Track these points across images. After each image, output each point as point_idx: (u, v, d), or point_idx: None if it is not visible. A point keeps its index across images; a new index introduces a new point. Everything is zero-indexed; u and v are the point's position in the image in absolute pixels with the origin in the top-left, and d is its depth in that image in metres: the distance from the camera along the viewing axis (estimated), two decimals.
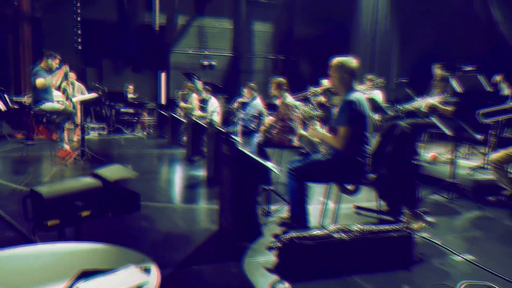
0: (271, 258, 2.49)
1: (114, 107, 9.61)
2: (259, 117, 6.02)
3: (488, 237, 3.11)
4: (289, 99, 4.78)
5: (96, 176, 2.21)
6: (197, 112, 7.88)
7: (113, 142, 8.27)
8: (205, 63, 11.98)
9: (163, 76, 12.04)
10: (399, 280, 2.31)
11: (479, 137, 4.03)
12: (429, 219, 3.00)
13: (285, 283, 2.25)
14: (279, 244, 2.39)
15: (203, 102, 8.21)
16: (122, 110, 9.93)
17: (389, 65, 9.84)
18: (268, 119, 5.13)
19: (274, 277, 2.31)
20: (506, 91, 5.02)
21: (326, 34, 11.18)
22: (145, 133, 9.54)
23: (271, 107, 6.46)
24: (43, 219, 1.97)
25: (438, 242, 2.87)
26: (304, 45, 11.98)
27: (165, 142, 8.19)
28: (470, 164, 4.91)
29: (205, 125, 6.26)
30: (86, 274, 1.40)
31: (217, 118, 7.27)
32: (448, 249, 2.76)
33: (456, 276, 2.38)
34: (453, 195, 4.08)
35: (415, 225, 2.61)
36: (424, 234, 2.98)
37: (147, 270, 1.42)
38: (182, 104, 8.77)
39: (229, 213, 2.84)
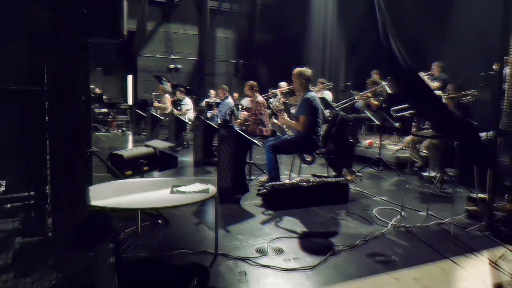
0: (258, 201, 3.91)
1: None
2: (231, 113, 7.40)
3: (399, 190, 4.73)
4: (259, 98, 6.23)
5: (149, 146, 3.52)
6: (174, 111, 9.10)
7: (93, 138, 9.25)
8: (172, 66, 13.17)
9: (130, 78, 13.07)
10: (338, 208, 3.82)
11: (397, 124, 5.73)
12: (359, 174, 4.55)
13: (270, 211, 3.68)
14: (264, 190, 3.83)
15: (177, 102, 9.46)
16: (97, 110, 10.89)
17: (338, 70, 11.63)
18: (243, 114, 6.52)
19: (262, 209, 3.74)
20: None
21: (283, 41, 12.80)
22: (119, 131, 10.57)
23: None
24: (123, 170, 3.25)
25: (366, 192, 4.45)
26: (263, 50, 13.50)
27: (143, 138, 9.31)
28: (396, 147, 6.64)
29: (188, 121, 7.56)
30: (175, 187, 2.74)
31: (191, 115, 8.56)
32: (371, 195, 4.34)
33: (374, 206, 3.93)
34: (380, 168, 5.75)
35: (350, 177, 4.15)
36: (358, 188, 4.56)
37: (207, 185, 2.79)
38: (156, 104, 9.94)
39: (227, 175, 4.20)
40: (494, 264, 2.63)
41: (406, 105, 5.48)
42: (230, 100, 7.63)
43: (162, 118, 8.94)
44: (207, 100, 10.06)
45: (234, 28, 13.81)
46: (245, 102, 8.60)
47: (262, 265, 2.50)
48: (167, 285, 2.26)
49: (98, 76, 12.29)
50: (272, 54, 13.00)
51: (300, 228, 3.27)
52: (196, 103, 10.38)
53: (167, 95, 9.80)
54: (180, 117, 7.74)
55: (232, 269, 2.44)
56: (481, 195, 3.55)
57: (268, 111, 6.21)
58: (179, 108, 9.27)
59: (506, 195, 3.29)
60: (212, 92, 10.76)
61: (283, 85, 9.21)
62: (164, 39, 13.02)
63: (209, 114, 8.24)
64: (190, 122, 7.77)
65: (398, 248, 2.89)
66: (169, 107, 9.54)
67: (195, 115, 7.45)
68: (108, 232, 1.94)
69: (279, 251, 2.75)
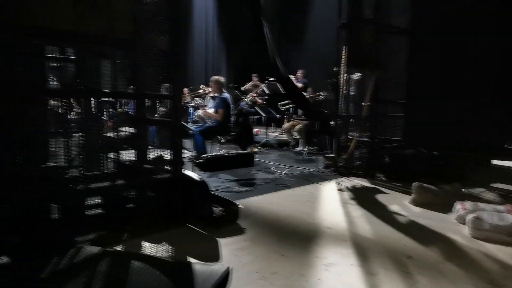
0: (196, 168, 5.92)
1: None
2: None
3: (282, 157, 7.26)
4: None
5: None
6: None
7: None
8: None
9: None
10: (250, 168, 6.09)
11: (278, 116, 8.34)
12: (259, 148, 6.94)
13: (208, 173, 5.73)
14: (201, 160, 5.87)
15: None
16: None
17: (220, 73, 13.97)
18: None
19: (201, 172, 5.76)
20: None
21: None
22: None
23: None
24: None
25: (263, 160, 6.85)
26: None
27: None
28: (276, 134, 9.30)
29: None
30: None
31: None
32: (267, 162, 6.75)
33: (270, 167, 6.31)
34: (267, 148, 8.27)
35: (254, 149, 6.48)
36: (257, 159, 6.92)
37: None
38: None
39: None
40: (337, 184, 5.24)
41: (287, 101, 8.14)
42: None
43: None
44: None
45: None
46: None
47: (226, 192, 4.61)
48: None
49: None
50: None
51: (233, 178, 5.43)
52: None
53: None
54: None
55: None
56: (331, 154, 6.24)
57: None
58: None
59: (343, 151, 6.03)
60: None
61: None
62: None
63: None
64: None
65: (290, 182, 5.30)
66: None
67: None
68: None
69: (228, 187, 4.87)
